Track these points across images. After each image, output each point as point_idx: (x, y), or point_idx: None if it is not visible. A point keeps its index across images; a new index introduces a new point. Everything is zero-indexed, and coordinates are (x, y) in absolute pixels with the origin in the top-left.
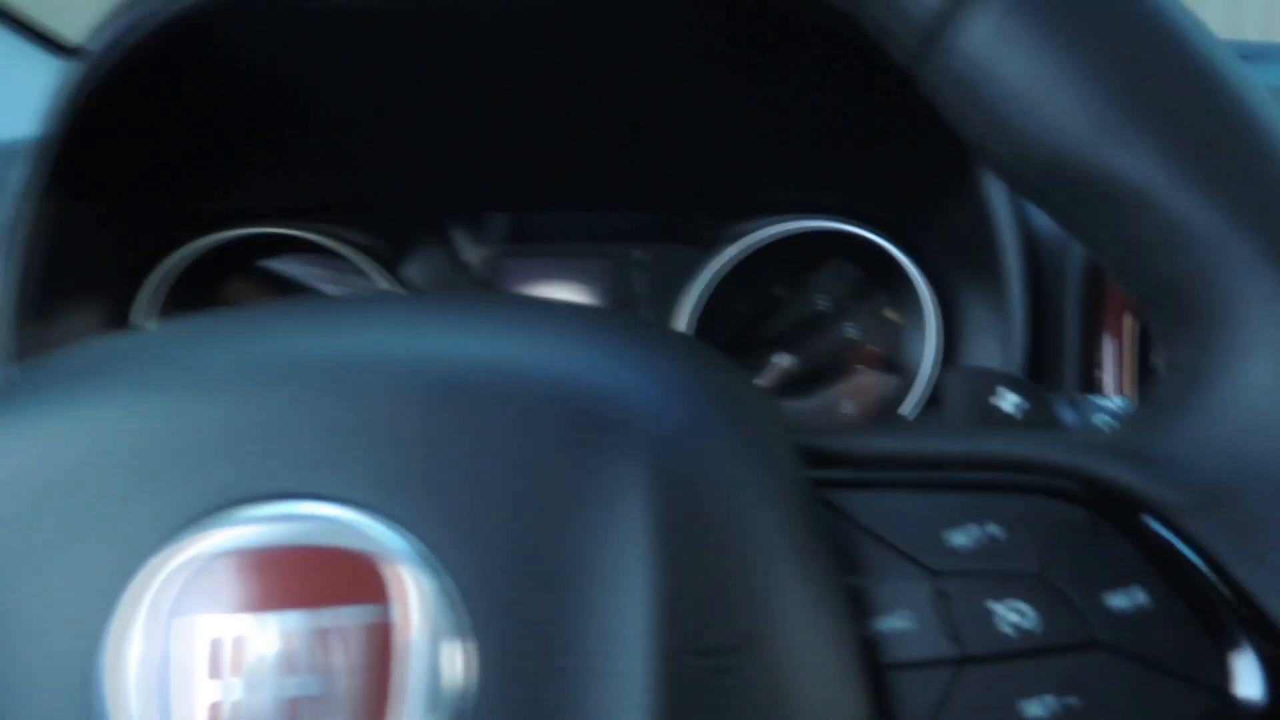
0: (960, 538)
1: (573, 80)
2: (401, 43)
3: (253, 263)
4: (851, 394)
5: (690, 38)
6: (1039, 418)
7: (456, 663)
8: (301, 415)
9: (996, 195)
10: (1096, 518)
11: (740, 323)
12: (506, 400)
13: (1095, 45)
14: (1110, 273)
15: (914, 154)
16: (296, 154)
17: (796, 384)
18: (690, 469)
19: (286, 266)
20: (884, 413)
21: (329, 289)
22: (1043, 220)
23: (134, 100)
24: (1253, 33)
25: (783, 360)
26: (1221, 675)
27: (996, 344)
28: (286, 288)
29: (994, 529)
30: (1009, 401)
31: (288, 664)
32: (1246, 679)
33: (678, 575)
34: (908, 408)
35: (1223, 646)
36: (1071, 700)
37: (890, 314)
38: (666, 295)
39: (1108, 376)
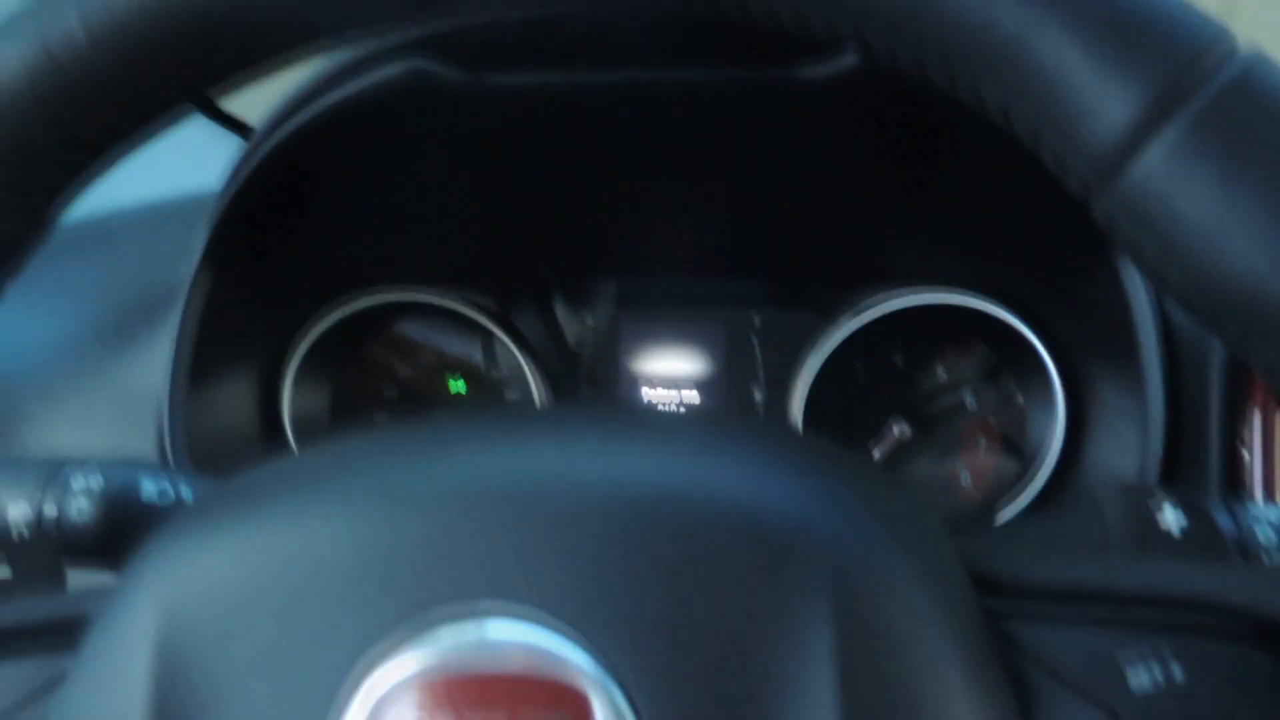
0: (1141, 678)
1: (706, 158)
2: (544, 126)
3: (387, 326)
4: (970, 468)
5: (834, 127)
6: (1202, 536)
7: None
8: (501, 537)
9: (1135, 280)
10: (1273, 658)
11: (858, 389)
12: (697, 530)
13: (1274, 177)
14: None
15: (1051, 232)
16: (435, 224)
17: (914, 453)
18: (870, 602)
19: (416, 331)
20: (1002, 492)
21: (456, 351)
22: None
23: (298, 177)
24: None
25: (900, 426)
26: None
27: (1131, 434)
28: (417, 350)
29: (1175, 668)
30: (1170, 518)
31: None
32: None
33: (857, 709)
34: (1030, 493)
35: None
36: None
37: (1016, 392)
38: (783, 362)
39: (1253, 476)
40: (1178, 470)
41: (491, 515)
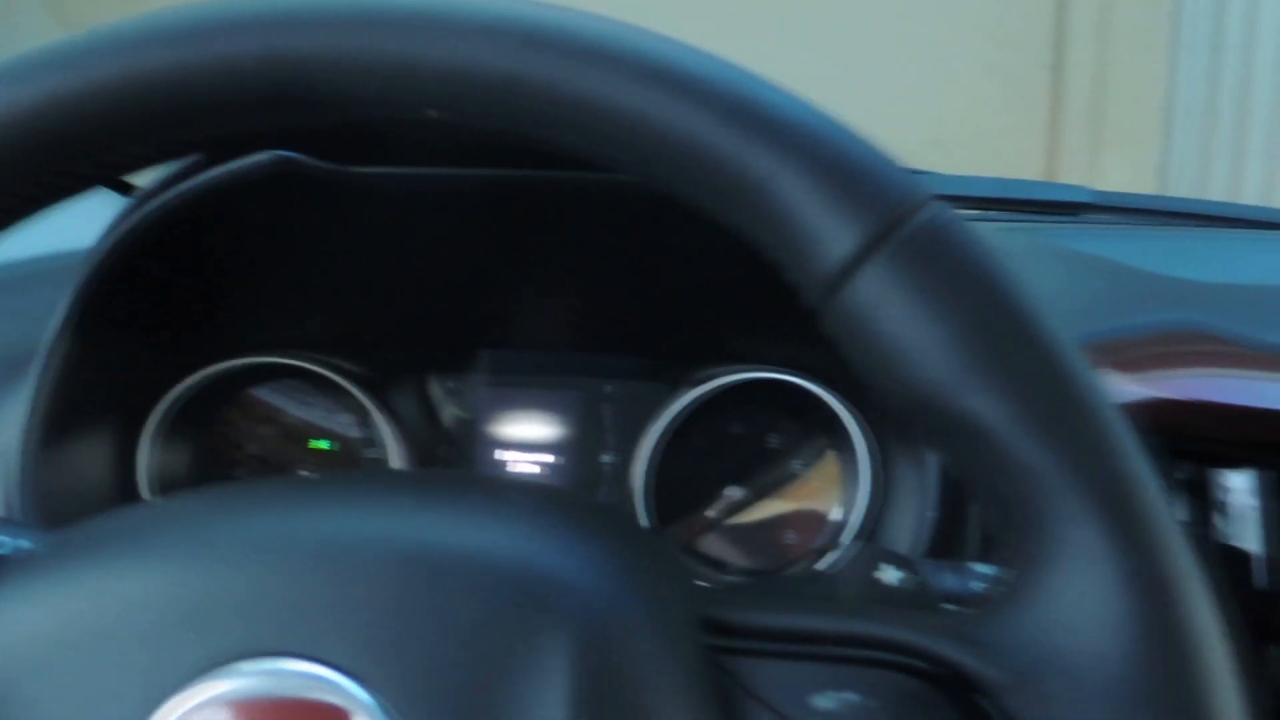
0: (825, 702)
1: (553, 248)
2: (407, 214)
3: (253, 390)
4: (795, 526)
5: (649, 224)
6: (914, 590)
7: None
8: (289, 587)
9: None
10: (936, 691)
11: (699, 456)
12: (460, 580)
13: (957, 311)
14: (967, 488)
15: None
16: (306, 295)
17: (746, 514)
18: (606, 644)
19: (276, 398)
20: (823, 553)
21: (315, 417)
22: None
23: (170, 245)
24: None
25: (734, 493)
26: None
27: (917, 501)
28: (281, 415)
29: (852, 696)
30: (891, 576)
31: None
32: None
33: None
34: (844, 546)
35: None
36: None
37: (833, 458)
38: (632, 429)
39: None
40: (949, 538)
41: (288, 570)
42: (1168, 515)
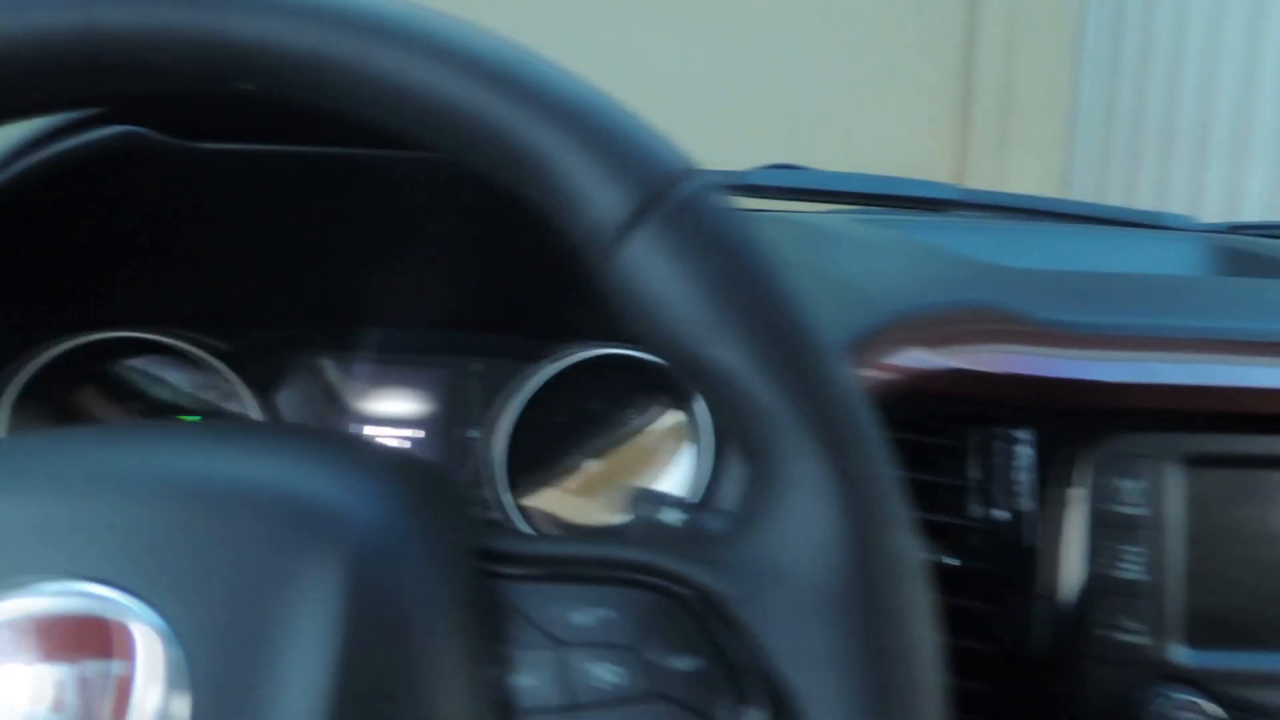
0: (582, 618)
1: (400, 225)
2: (257, 189)
3: (113, 367)
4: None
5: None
6: (685, 527)
7: (183, 709)
8: (79, 515)
9: None
10: (677, 604)
11: (557, 429)
12: (239, 507)
13: (706, 271)
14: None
15: None
16: (162, 270)
17: (602, 482)
18: (376, 566)
19: (143, 374)
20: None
21: (181, 393)
22: None
23: (19, 219)
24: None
25: (591, 465)
26: (732, 714)
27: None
28: (143, 392)
29: (606, 612)
30: (670, 515)
31: (57, 706)
32: None
33: (358, 652)
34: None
35: (748, 699)
36: None
37: (683, 428)
38: (497, 405)
39: None
40: None
41: (78, 499)
42: (879, 453)
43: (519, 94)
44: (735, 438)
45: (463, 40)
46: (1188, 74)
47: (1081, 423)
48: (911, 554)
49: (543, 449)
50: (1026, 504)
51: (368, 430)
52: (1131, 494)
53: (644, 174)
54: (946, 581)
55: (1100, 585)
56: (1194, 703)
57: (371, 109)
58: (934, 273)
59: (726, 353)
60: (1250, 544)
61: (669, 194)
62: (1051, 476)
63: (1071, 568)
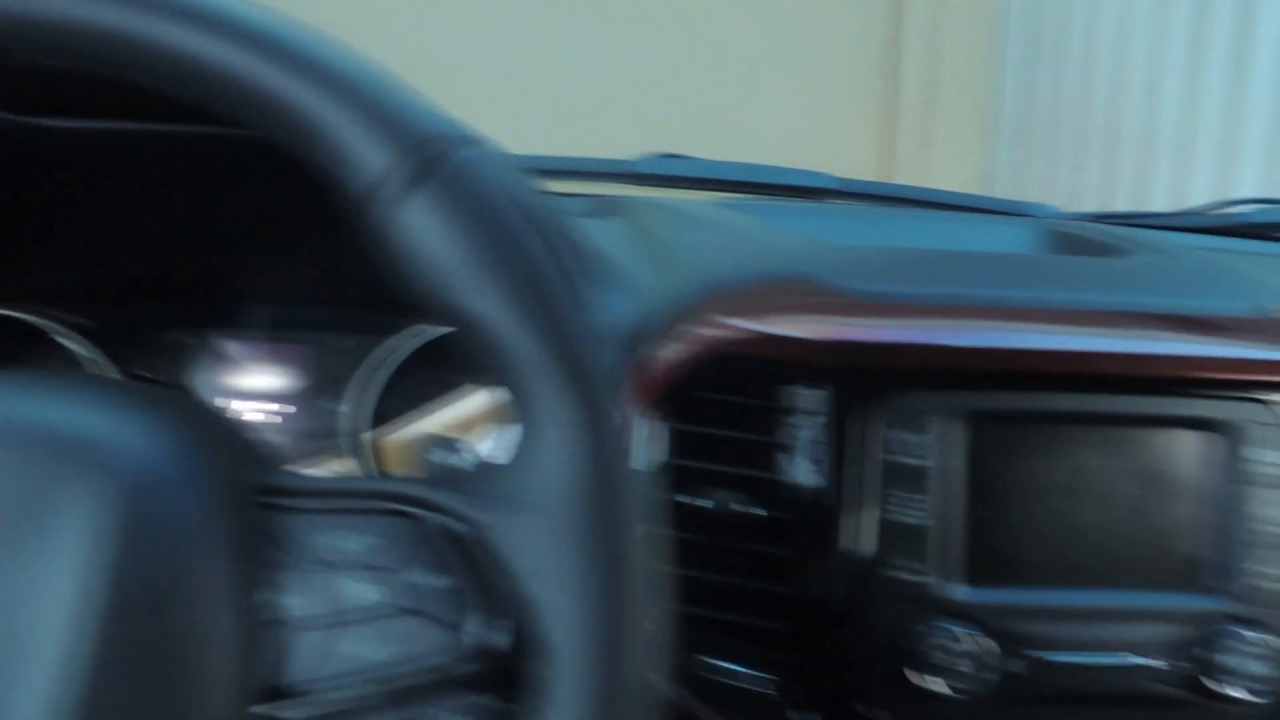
0: (347, 544)
1: (259, 205)
2: (107, 168)
3: None
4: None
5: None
6: (455, 465)
7: None
8: None
9: None
10: (437, 531)
11: (425, 400)
12: (16, 440)
13: (467, 229)
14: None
15: None
16: (14, 247)
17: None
18: (146, 496)
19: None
20: None
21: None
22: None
23: None
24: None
25: (456, 432)
26: (478, 626)
27: None
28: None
29: (371, 538)
30: (438, 455)
31: None
32: (497, 636)
33: (123, 565)
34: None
35: (495, 613)
36: (394, 647)
37: None
38: (360, 378)
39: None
40: None
41: None
42: (617, 395)
43: (297, 64)
44: (495, 379)
45: (251, 19)
46: (1099, 75)
47: (876, 383)
48: (639, 484)
49: (408, 420)
50: (825, 458)
51: (236, 405)
52: (918, 447)
53: (413, 139)
54: (755, 531)
55: (889, 531)
56: (969, 635)
57: (169, 84)
58: (760, 249)
59: (482, 302)
60: (1026, 492)
61: (438, 158)
62: (848, 432)
63: (864, 515)
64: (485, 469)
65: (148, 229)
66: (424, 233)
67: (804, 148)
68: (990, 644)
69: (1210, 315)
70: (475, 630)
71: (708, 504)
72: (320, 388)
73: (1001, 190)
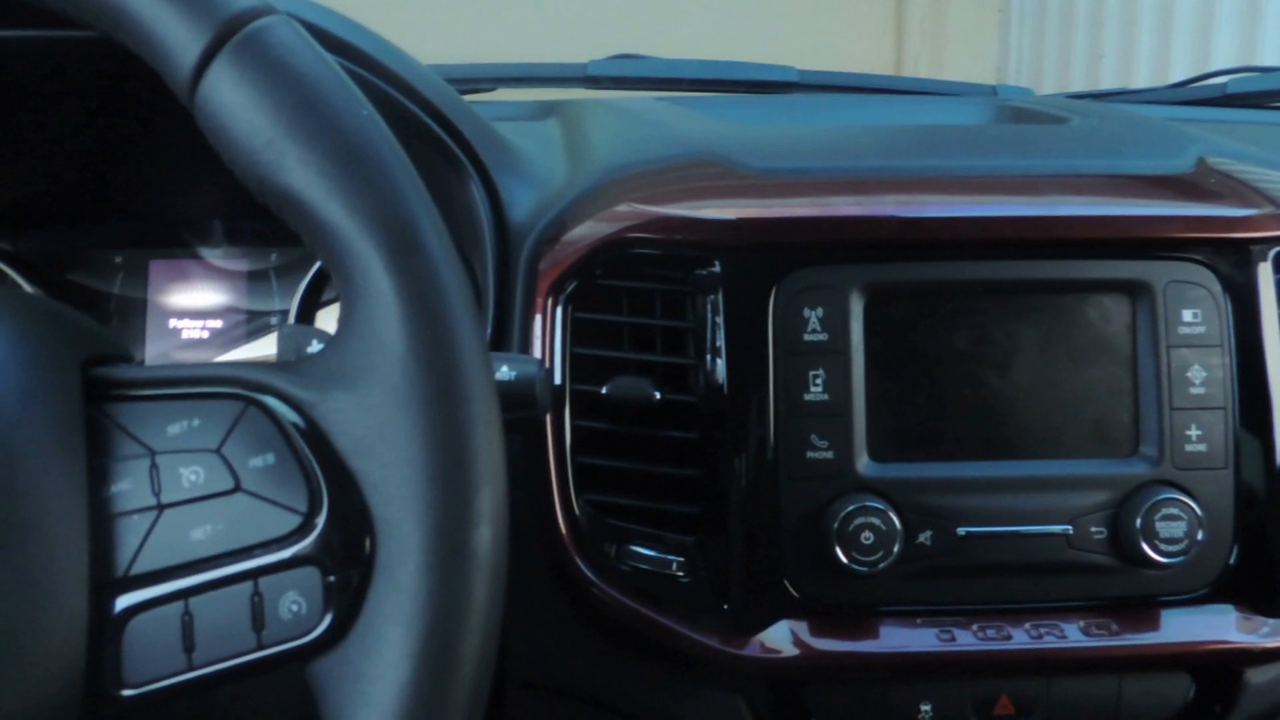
0: (175, 429)
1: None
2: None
3: None
4: None
5: None
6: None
7: None
8: None
9: (480, 198)
10: (260, 411)
11: None
12: None
13: (276, 103)
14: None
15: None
16: None
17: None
18: None
19: None
20: None
21: None
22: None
23: None
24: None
25: None
26: (303, 503)
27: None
28: None
29: (195, 421)
30: (287, 340)
31: None
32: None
33: None
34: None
35: (318, 489)
36: (225, 527)
37: None
38: (291, 290)
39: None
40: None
41: None
42: (443, 263)
43: None
44: (322, 258)
45: None
46: None
47: (775, 260)
48: (472, 358)
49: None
50: (725, 340)
51: (172, 324)
52: (818, 323)
53: (209, 14)
54: (659, 416)
55: (791, 409)
56: (874, 508)
57: None
58: (670, 133)
59: (296, 179)
60: (926, 364)
61: (236, 32)
62: (747, 312)
63: (765, 395)
64: (322, 350)
65: (47, 149)
66: (222, 109)
67: (816, 42)
68: (897, 518)
69: (1132, 174)
70: (302, 507)
71: (606, 390)
72: (251, 301)
73: (1016, 82)
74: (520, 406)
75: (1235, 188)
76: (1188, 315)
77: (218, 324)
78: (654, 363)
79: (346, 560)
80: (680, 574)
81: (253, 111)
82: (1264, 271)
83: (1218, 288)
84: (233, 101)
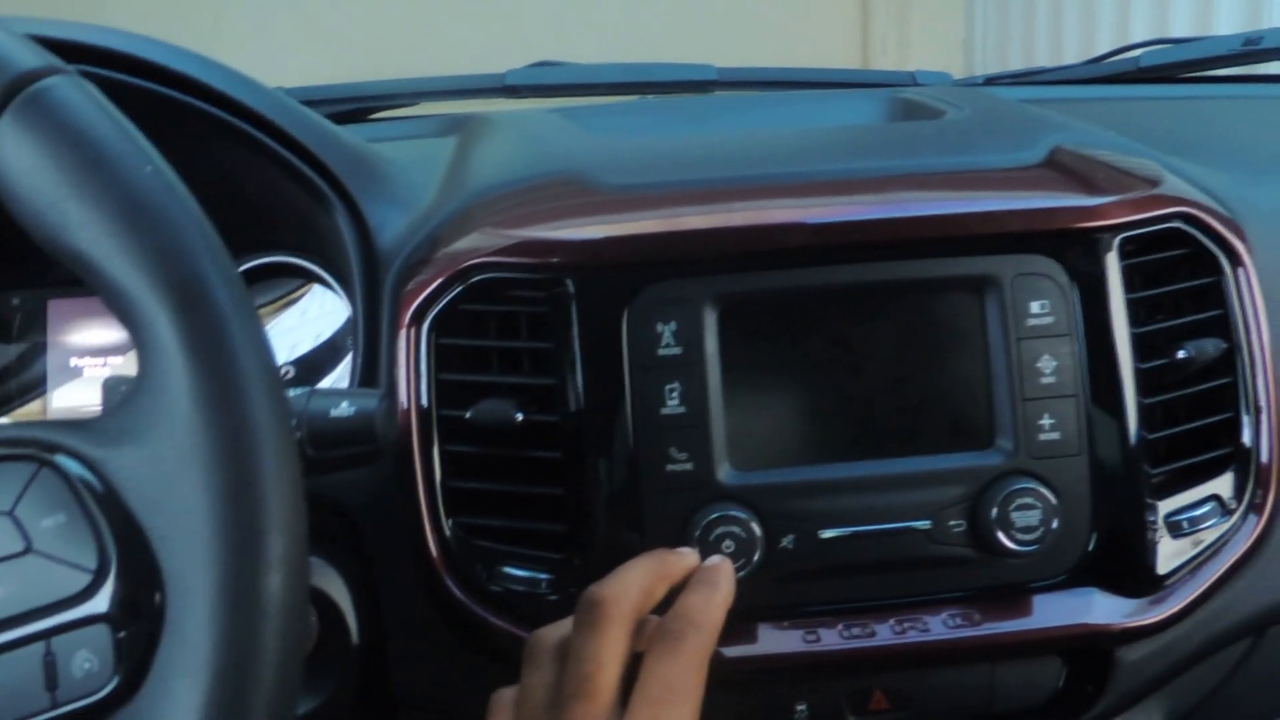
0: None
1: None
2: None
3: None
4: None
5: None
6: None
7: None
8: None
9: (346, 226)
10: (52, 471)
11: None
12: None
13: (61, 165)
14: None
15: (290, 205)
16: None
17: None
18: None
19: None
20: None
21: None
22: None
23: None
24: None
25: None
26: (92, 561)
27: None
28: None
29: None
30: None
31: None
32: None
33: None
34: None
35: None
36: (13, 587)
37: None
38: None
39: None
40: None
41: None
42: (232, 316)
43: None
44: (116, 316)
45: None
46: None
47: (627, 277)
48: (259, 407)
49: None
50: (581, 358)
51: (74, 363)
52: (669, 337)
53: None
54: (527, 436)
55: (649, 423)
56: (736, 516)
57: None
58: (539, 152)
59: (81, 240)
60: (783, 371)
61: (19, 92)
62: (603, 329)
63: (624, 410)
64: (116, 406)
65: None
66: (7, 171)
67: (783, 24)
68: (758, 525)
69: (981, 169)
70: (92, 565)
71: (469, 415)
72: None
73: (981, 57)
74: (360, 442)
75: (1083, 178)
76: (1035, 306)
77: (119, 360)
78: (519, 384)
79: (136, 616)
80: (549, 592)
81: (36, 173)
82: (1110, 259)
83: (1064, 278)
84: (17, 163)
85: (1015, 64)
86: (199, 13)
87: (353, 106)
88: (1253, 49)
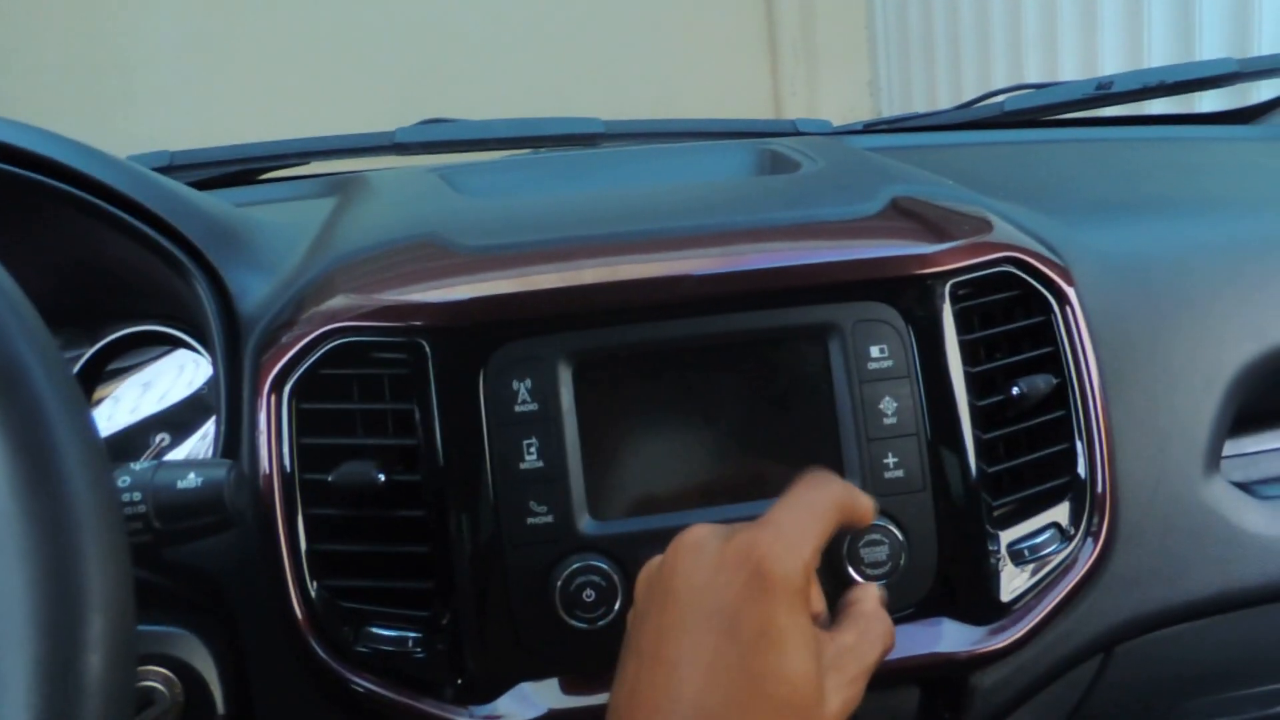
0: None
1: None
2: None
3: None
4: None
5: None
6: None
7: None
8: None
9: (205, 293)
10: None
11: (134, 404)
12: None
13: None
14: None
15: (151, 274)
16: None
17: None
18: None
19: None
20: None
21: None
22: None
23: None
24: None
25: (161, 436)
26: None
27: None
28: None
29: None
30: None
31: None
32: None
33: None
34: None
35: None
36: None
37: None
38: None
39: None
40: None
41: None
42: (50, 398)
43: None
44: None
45: None
46: None
47: (482, 337)
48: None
49: (122, 424)
50: (442, 418)
51: None
52: (525, 393)
53: None
54: (390, 497)
55: (509, 478)
56: (597, 566)
57: None
58: (406, 215)
59: None
60: (638, 423)
61: None
62: (459, 389)
63: (484, 467)
64: None
65: None
66: None
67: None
68: (619, 574)
69: (822, 221)
70: None
71: (331, 479)
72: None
73: (888, 98)
74: (208, 512)
75: (917, 227)
76: (875, 351)
77: None
78: (382, 445)
79: None
80: (417, 650)
81: None
82: (943, 303)
83: (900, 323)
84: None
85: (919, 104)
86: (107, 75)
87: (240, 168)
88: (1105, 93)
